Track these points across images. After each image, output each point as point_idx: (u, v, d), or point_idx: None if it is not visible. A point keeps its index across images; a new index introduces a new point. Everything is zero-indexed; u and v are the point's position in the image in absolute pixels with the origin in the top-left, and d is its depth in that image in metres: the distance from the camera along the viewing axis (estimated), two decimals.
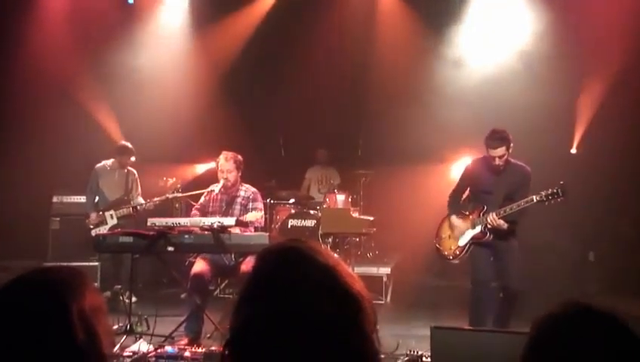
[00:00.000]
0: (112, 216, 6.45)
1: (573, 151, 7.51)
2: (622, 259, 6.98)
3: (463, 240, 4.78)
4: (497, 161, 4.56)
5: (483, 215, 4.64)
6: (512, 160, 4.66)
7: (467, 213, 4.82)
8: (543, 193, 4.34)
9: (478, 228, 4.67)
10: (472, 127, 7.36)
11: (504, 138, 4.52)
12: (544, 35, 7.24)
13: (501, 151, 4.51)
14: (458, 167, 7.71)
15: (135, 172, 6.85)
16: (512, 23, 7.65)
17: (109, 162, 6.80)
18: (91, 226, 6.45)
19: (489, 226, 4.56)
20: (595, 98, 7.17)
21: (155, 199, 6.27)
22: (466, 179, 4.94)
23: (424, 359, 4.04)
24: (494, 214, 4.49)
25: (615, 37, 6.76)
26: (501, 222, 4.49)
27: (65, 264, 6.01)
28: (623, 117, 6.86)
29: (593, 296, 6.58)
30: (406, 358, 4.15)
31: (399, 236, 7.70)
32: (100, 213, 6.52)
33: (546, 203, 4.34)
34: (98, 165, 6.81)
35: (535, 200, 4.36)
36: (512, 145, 4.55)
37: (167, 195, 5.76)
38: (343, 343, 1.04)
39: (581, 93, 7.30)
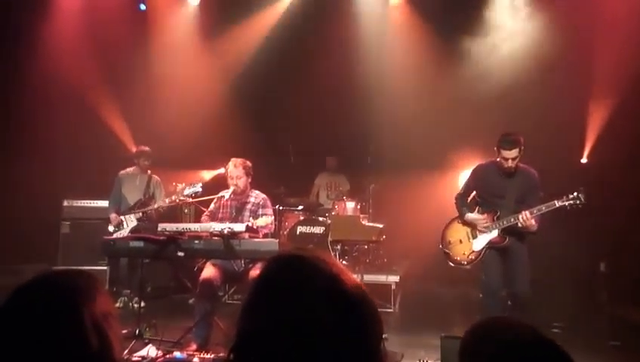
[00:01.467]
0: (131, 218, 6.53)
1: (584, 160, 7.47)
2: (633, 269, 6.91)
3: (478, 245, 4.73)
4: (510, 163, 4.55)
5: (497, 219, 4.63)
6: (520, 164, 4.66)
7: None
8: (565, 198, 4.35)
9: (495, 232, 4.64)
10: (482, 136, 7.35)
11: (517, 140, 4.54)
12: (555, 45, 7.22)
13: (515, 153, 4.52)
14: (468, 174, 7.70)
15: (158, 178, 6.92)
16: (524, 34, 7.64)
17: (130, 169, 6.93)
18: (111, 229, 6.49)
19: (520, 225, 4.49)
20: (605, 108, 7.14)
21: (168, 200, 6.23)
22: (475, 182, 4.91)
23: None
24: (528, 213, 4.43)
25: (626, 48, 6.73)
26: (533, 222, 4.45)
27: (75, 268, 6.07)
28: (634, 126, 6.81)
29: (604, 306, 6.53)
30: None
31: (408, 244, 7.68)
32: (121, 216, 6.59)
33: (568, 208, 4.35)
34: (121, 172, 6.94)
35: (557, 205, 4.38)
36: (522, 148, 4.56)
37: (186, 190, 5.65)
38: (346, 352, 1.03)
39: (592, 103, 7.27)
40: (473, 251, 4.75)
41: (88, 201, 7.41)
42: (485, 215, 4.74)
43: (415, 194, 7.66)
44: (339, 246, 7.01)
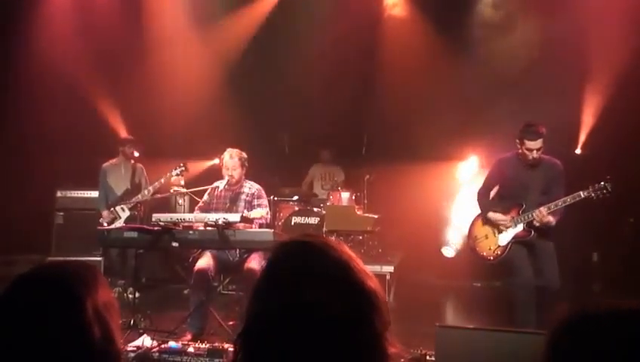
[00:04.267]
0: (123, 209, 6.47)
1: (578, 151, 7.50)
2: (625, 259, 6.97)
3: (504, 240, 4.66)
4: (534, 154, 4.46)
5: (522, 212, 4.56)
6: (543, 155, 4.58)
7: (502, 211, 4.71)
8: (591, 188, 4.28)
9: (520, 226, 4.58)
10: (478, 127, 7.36)
11: (541, 131, 4.45)
12: (551, 38, 7.23)
13: (539, 143, 4.44)
14: (463, 165, 7.71)
15: (142, 167, 6.89)
16: (519, 28, 7.65)
17: (114, 159, 6.86)
18: (105, 224, 6.40)
19: (536, 223, 4.45)
20: (600, 100, 7.17)
21: (157, 183, 6.19)
22: (496, 177, 4.82)
23: (428, 358, 4.03)
24: (544, 209, 4.39)
25: (621, 41, 6.74)
26: (550, 218, 4.41)
27: (75, 258, 6.07)
28: (627, 118, 6.84)
29: (597, 295, 6.58)
30: (410, 357, 4.14)
31: (403, 234, 7.69)
32: (112, 209, 6.53)
33: (594, 198, 4.29)
34: (105, 164, 6.86)
35: (583, 196, 4.31)
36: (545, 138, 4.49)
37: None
38: (353, 339, 1.03)
39: (586, 95, 7.29)
40: (499, 246, 4.68)
41: (82, 192, 7.38)
42: (507, 214, 4.67)
43: (410, 185, 7.66)
44: (334, 237, 7.01)
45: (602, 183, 4.27)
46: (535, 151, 4.46)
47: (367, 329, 1.06)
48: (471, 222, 4.97)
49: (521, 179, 4.63)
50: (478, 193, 4.91)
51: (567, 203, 4.37)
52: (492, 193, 4.92)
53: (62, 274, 1.18)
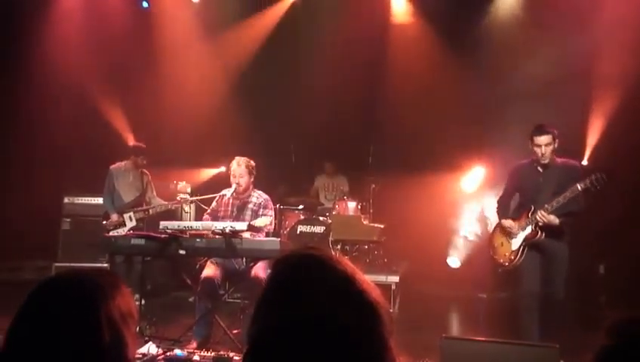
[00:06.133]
0: (130, 217, 6.43)
1: (585, 163, 7.49)
2: (632, 271, 6.93)
3: (515, 244, 4.69)
4: (543, 150, 4.46)
5: (531, 215, 4.57)
6: (558, 158, 4.59)
7: (516, 217, 4.75)
8: (587, 180, 4.22)
9: (529, 229, 4.58)
10: (483, 138, 7.36)
11: (549, 128, 4.49)
12: (557, 50, 7.25)
13: (546, 138, 4.44)
14: (469, 176, 7.72)
15: (148, 174, 6.88)
16: (526, 40, 7.67)
17: (123, 164, 6.81)
18: (110, 228, 6.38)
19: (540, 224, 4.46)
20: (606, 111, 7.17)
21: (170, 203, 6.25)
22: (513, 183, 4.86)
23: None
24: (542, 211, 4.40)
25: (627, 53, 6.76)
26: (552, 217, 4.40)
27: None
28: (634, 130, 6.84)
29: (602, 308, 6.55)
30: None
31: (408, 244, 7.68)
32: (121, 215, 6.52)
33: (592, 189, 4.22)
34: (113, 166, 6.77)
35: (580, 189, 4.26)
36: (557, 140, 4.50)
37: (180, 197, 5.73)
38: (360, 350, 1.04)
39: (593, 107, 7.30)
40: (512, 251, 4.71)
41: (89, 198, 7.41)
42: (519, 219, 4.69)
43: (416, 194, 7.67)
44: (339, 246, 7.01)
45: (599, 173, 4.21)
46: (544, 147, 4.46)
47: (374, 339, 1.07)
48: (491, 232, 5.02)
49: (534, 182, 4.66)
50: (498, 201, 4.96)
51: (568, 198, 4.33)
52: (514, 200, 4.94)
53: (79, 283, 1.21)
